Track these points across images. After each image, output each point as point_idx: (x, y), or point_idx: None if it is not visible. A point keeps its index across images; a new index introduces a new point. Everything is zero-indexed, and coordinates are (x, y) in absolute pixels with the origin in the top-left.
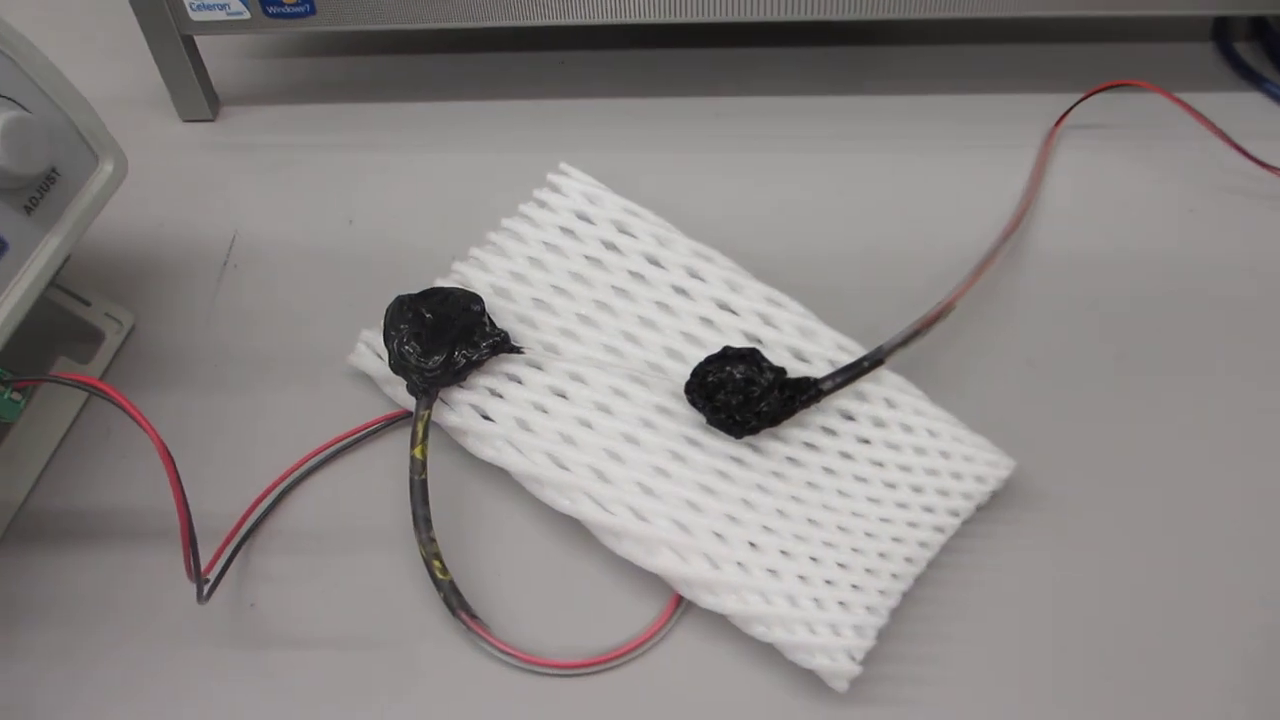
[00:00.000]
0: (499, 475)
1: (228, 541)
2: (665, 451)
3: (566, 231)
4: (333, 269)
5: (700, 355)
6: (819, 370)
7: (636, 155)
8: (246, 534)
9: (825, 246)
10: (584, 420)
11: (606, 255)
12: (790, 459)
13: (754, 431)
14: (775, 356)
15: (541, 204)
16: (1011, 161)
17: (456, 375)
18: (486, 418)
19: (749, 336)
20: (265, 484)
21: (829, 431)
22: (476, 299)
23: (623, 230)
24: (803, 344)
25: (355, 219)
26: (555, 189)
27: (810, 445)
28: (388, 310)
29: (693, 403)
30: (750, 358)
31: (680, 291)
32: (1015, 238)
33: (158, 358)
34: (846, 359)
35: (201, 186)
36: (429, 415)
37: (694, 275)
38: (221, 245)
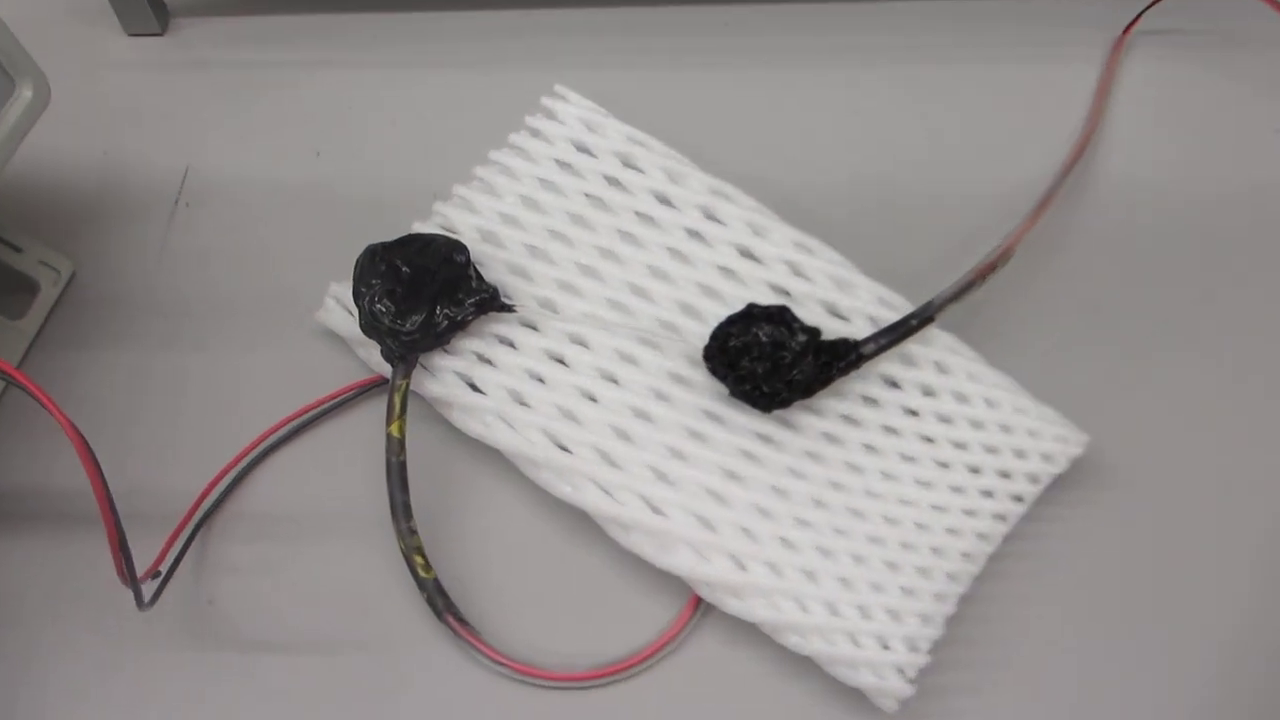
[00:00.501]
0: (490, 455)
1: (181, 527)
2: (681, 429)
3: (564, 166)
4: (299, 208)
5: (720, 312)
6: (858, 329)
7: (640, 74)
8: (203, 518)
9: (858, 181)
10: (587, 391)
11: (610, 194)
12: (827, 435)
13: (784, 404)
14: (807, 314)
15: (535, 133)
16: (1072, 77)
17: (438, 338)
18: (474, 388)
19: (776, 289)
20: (225, 460)
21: (871, 402)
22: (460, 248)
23: (628, 164)
24: (838, 298)
25: (323, 150)
26: (550, 115)
27: (849, 419)
28: (357, 263)
29: (713, 371)
30: (779, 317)
31: (695, 236)
32: (1079, 168)
33: (100, 311)
34: (890, 316)
35: (149, 112)
36: (406, 385)
37: (711, 217)
38: (172, 181)
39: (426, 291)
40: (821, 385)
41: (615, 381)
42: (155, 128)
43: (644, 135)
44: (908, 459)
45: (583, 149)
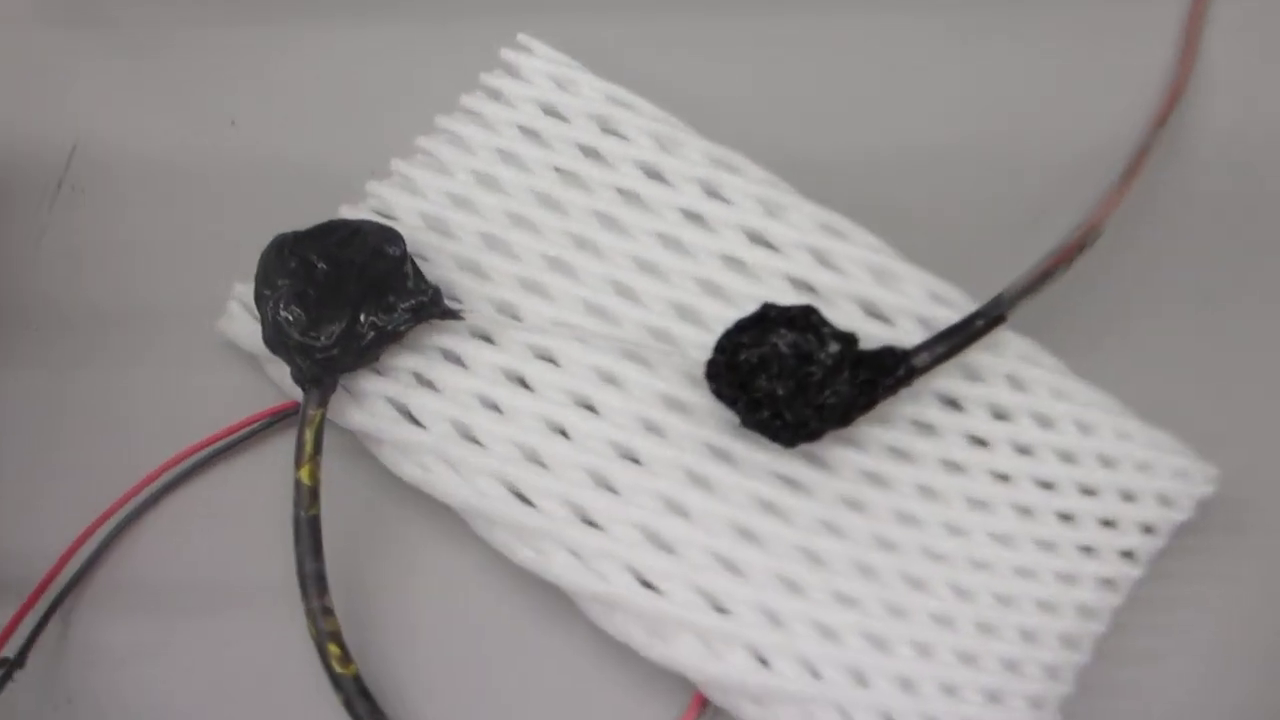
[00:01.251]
0: (432, 507)
1: (33, 600)
2: (680, 473)
3: (529, 134)
4: (207, 191)
5: (728, 317)
6: (905, 335)
7: (623, 20)
8: (65, 589)
9: (898, 147)
10: (556, 423)
11: (586, 167)
12: (870, 476)
13: (814, 436)
14: (839, 315)
15: (493, 94)
16: (1154, 15)
17: (363, 354)
18: (411, 419)
19: (798, 285)
20: (95, 512)
21: (926, 429)
22: (394, 237)
23: (608, 129)
24: (878, 294)
25: (239, 120)
26: (512, 72)
27: (898, 453)
28: (261, 259)
29: (719, 393)
30: (803, 321)
31: (694, 219)
32: (1171, 125)
33: None
34: (947, 316)
35: (31, 76)
36: (322, 416)
37: (713, 194)
38: (56, 159)
39: (348, 294)
40: (862, 410)
41: (593, 410)
42: (38, 94)
43: (628, 94)
44: (978, 505)
45: (552, 112)
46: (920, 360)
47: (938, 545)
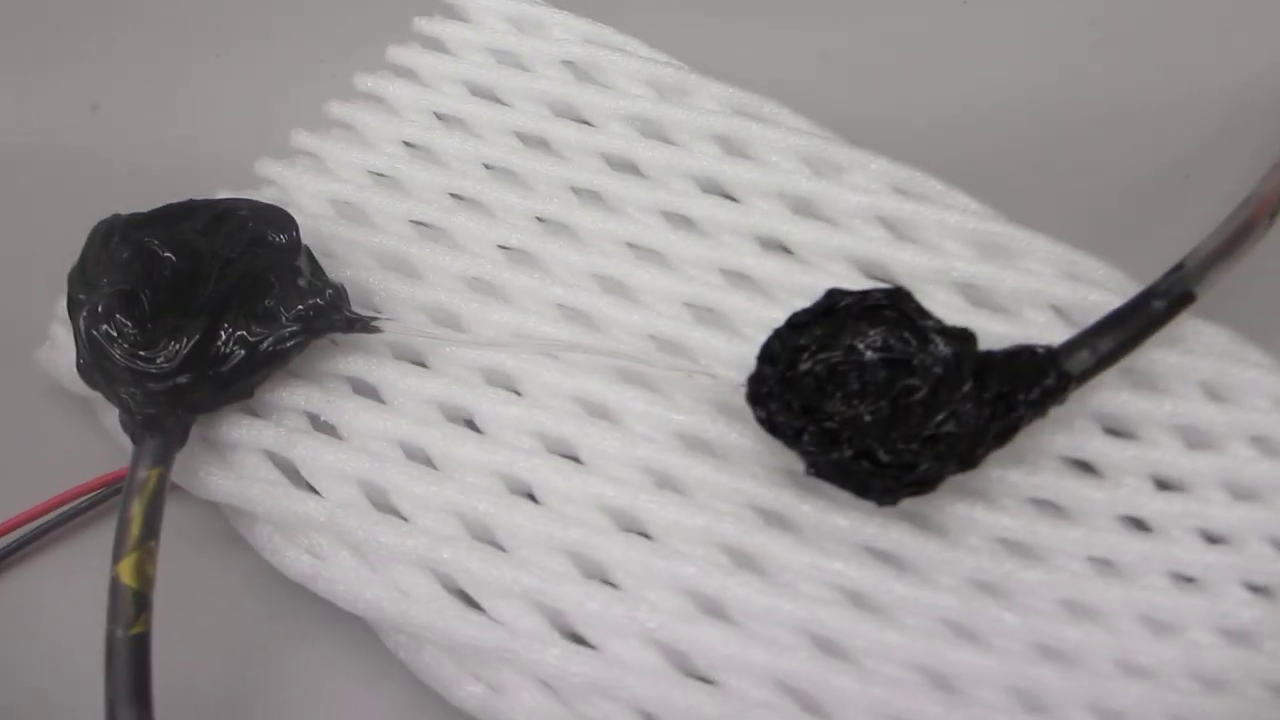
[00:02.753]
0: (338, 619)
1: None
2: (713, 551)
3: (480, 93)
4: (62, 188)
5: (767, 319)
6: (1034, 328)
7: None
8: None
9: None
10: (518, 482)
11: (559, 129)
12: (1014, 546)
13: (926, 485)
14: (932, 308)
15: (431, 43)
16: None
17: (227, 384)
18: (301, 482)
19: (866, 269)
20: None
21: (1086, 470)
22: (283, 221)
23: (588, 78)
24: (986, 272)
25: (103, 103)
26: (456, 15)
27: (1052, 507)
28: (83, 251)
29: (771, 424)
30: (894, 310)
31: (712, 187)
32: None
33: None
34: (1094, 299)
35: None
36: (159, 480)
37: (737, 153)
38: None
39: (206, 296)
40: (996, 442)
41: (575, 459)
42: None
43: (613, 32)
44: (1184, 584)
45: (511, 62)
46: (1077, 363)
47: (1138, 652)
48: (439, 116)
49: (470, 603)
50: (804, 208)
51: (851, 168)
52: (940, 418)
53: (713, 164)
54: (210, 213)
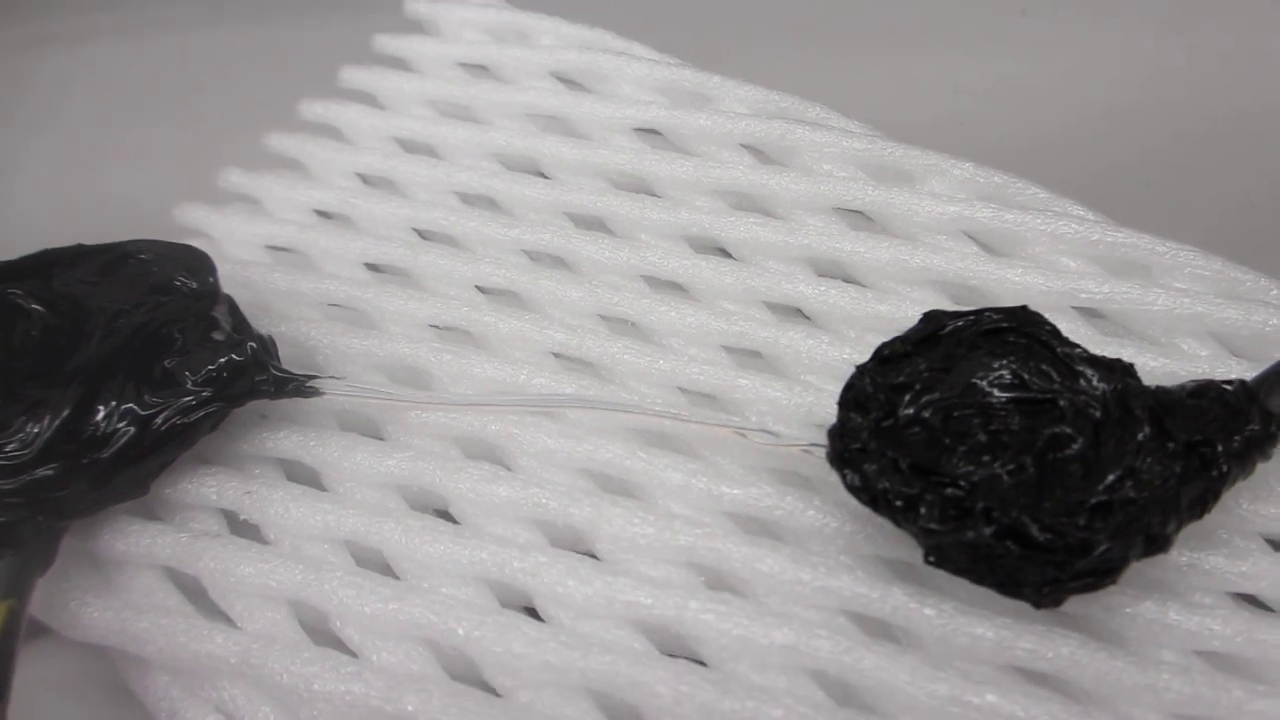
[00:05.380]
0: None
1: None
2: (805, 681)
3: (453, 114)
4: None
5: (835, 359)
6: (1201, 362)
7: None
8: None
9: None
10: (514, 590)
11: (551, 147)
12: (1219, 661)
13: (1098, 579)
14: (1076, 331)
15: (394, 62)
16: None
17: (107, 474)
18: (213, 609)
19: (956, 295)
20: None
21: None
22: (192, 261)
23: (585, 88)
24: (1125, 292)
25: (7, 167)
26: (425, 25)
27: (1260, 603)
28: None
29: (866, 490)
30: (1019, 332)
31: (745, 202)
32: None
33: None
34: (1266, 323)
35: None
36: (6, 615)
37: (775, 162)
38: None
39: (85, 360)
40: (1194, 513)
41: (591, 555)
42: None
43: (613, 37)
44: None
45: (491, 77)
46: None
47: None
48: (403, 144)
49: None
50: (868, 224)
51: (926, 175)
52: (1112, 479)
53: (747, 175)
54: (103, 258)
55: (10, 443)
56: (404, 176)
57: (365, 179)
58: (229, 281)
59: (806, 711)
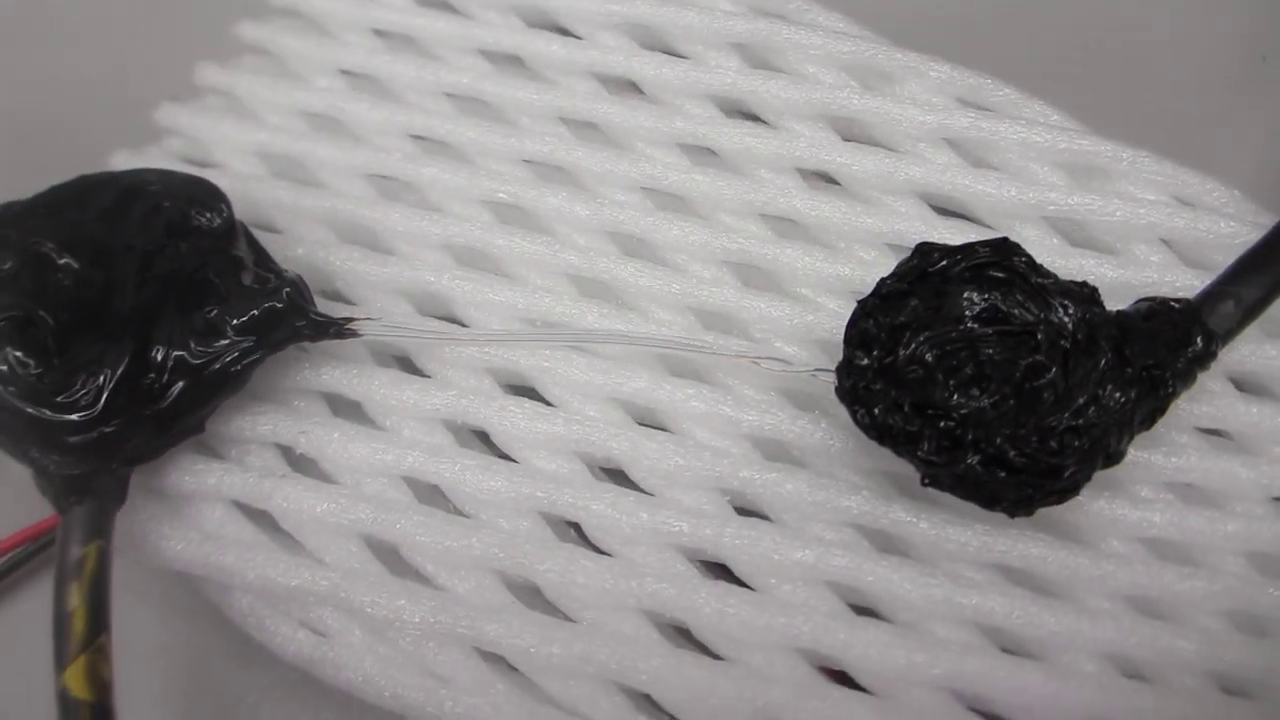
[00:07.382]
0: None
1: None
2: (823, 592)
3: (432, 3)
4: None
5: (828, 274)
6: (1152, 269)
7: None
8: None
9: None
10: (553, 512)
11: (543, 46)
12: (1159, 547)
13: (1070, 489)
14: (1029, 245)
15: None
16: None
17: (170, 420)
18: (285, 538)
19: (939, 204)
20: None
21: (1228, 441)
22: (210, 196)
23: None
24: (1088, 203)
25: None
26: None
27: (1197, 493)
28: None
29: (876, 427)
30: (1005, 265)
31: (736, 108)
32: None
33: None
34: (1225, 230)
35: None
36: (97, 556)
37: (766, 66)
38: None
39: (126, 308)
40: (1144, 427)
41: (625, 479)
42: None
43: None
44: None
45: None
46: (1221, 318)
47: None
48: (385, 36)
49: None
50: (854, 130)
51: (905, 76)
52: (1079, 404)
53: (736, 80)
54: (111, 192)
55: (76, 401)
56: (391, 76)
57: (350, 77)
58: (229, 196)
59: (831, 623)
